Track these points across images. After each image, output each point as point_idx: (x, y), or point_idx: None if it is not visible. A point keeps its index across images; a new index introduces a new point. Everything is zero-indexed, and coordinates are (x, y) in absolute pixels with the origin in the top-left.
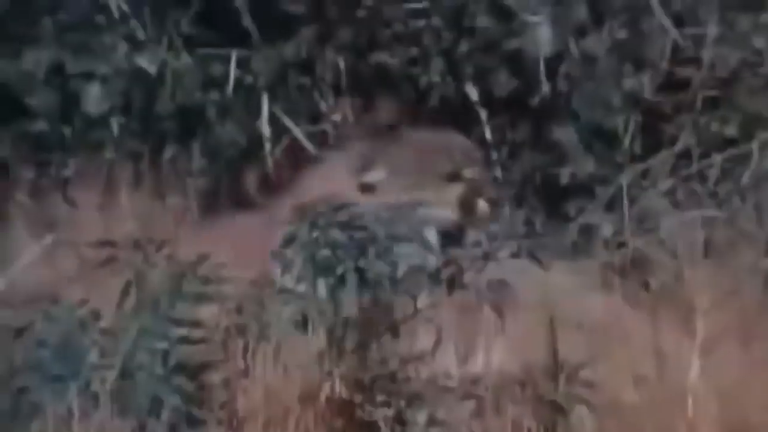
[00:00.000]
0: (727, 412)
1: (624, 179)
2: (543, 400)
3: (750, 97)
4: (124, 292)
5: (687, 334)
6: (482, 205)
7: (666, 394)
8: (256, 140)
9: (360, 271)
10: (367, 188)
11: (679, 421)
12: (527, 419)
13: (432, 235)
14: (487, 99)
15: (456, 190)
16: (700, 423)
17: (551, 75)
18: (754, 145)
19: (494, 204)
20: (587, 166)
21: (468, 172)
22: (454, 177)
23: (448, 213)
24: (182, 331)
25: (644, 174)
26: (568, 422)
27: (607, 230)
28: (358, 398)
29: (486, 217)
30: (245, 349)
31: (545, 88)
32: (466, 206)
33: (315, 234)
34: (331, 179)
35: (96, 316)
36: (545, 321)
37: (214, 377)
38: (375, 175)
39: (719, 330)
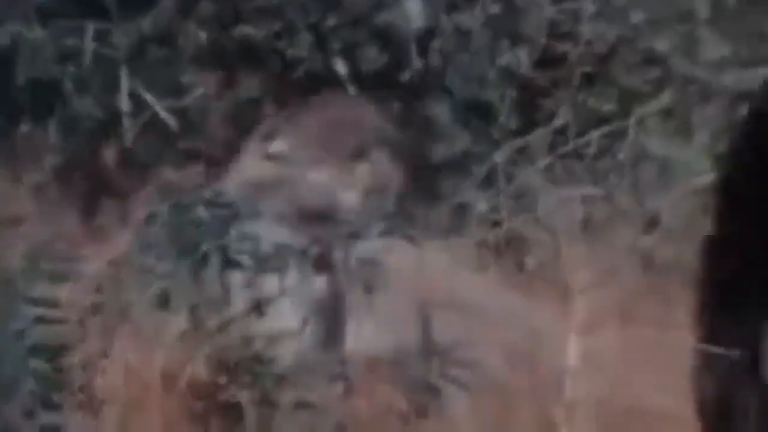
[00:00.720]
0: (606, 394)
1: (500, 156)
2: (415, 381)
3: (627, 72)
4: None
5: (565, 314)
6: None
7: (543, 376)
8: (115, 115)
9: (223, 250)
10: (272, 159)
11: (556, 403)
12: (398, 401)
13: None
14: (356, 74)
15: (361, 172)
16: (578, 405)
17: (423, 50)
18: (631, 122)
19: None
20: (462, 142)
21: (376, 154)
22: (359, 155)
23: (356, 193)
24: (39, 311)
25: (521, 151)
26: (441, 403)
27: (482, 208)
28: (221, 380)
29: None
30: (104, 330)
31: (417, 63)
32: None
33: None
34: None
35: None
36: (418, 300)
37: (73, 359)
38: (278, 146)
39: (598, 310)
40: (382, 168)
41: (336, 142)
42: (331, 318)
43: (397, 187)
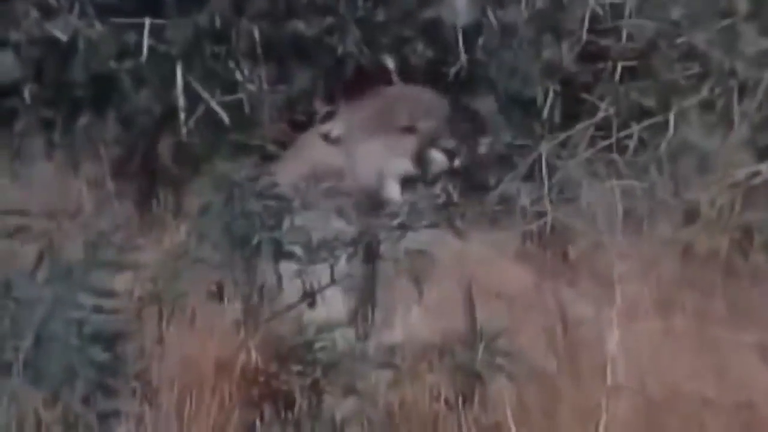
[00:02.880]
0: (646, 382)
1: (543, 149)
2: (461, 369)
3: (667, 67)
4: (37, 261)
5: (606, 303)
6: (436, 155)
7: (585, 364)
8: (171, 109)
9: (275, 241)
10: (329, 139)
11: (599, 390)
12: (445, 388)
13: (394, 189)
14: (404, 69)
15: (410, 142)
16: (619, 392)
17: (469, 45)
18: (671, 115)
19: (449, 155)
20: (506, 136)
21: (423, 125)
22: (408, 129)
23: (405, 163)
24: (96, 301)
25: (563, 144)
26: (486, 391)
27: (525, 200)
28: (273, 367)
29: (442, 168)
30: (160, 319)
31: (463, 58)
32: (420, 158)
33: (231, 204)
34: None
35: (8, 285)
36: (464, 290)
37: (129, 347)
38: (334, 126)
39: (638, 300)
40: (429, 139)
41: (387, 116)
42: (379, 307)
43: (442, 162)
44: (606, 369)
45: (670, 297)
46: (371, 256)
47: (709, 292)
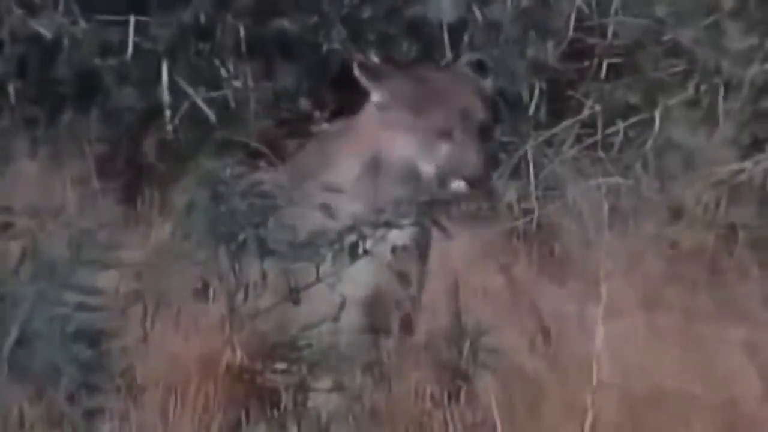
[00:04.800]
0: (631, 379)
1: (529, 147)
2: (446, 367)
3: (653, 64)
4: (20, 259)
5: (591, 300)
6: (459, 184)
7: (570, 361)
8: (156, 107)
9: (260, 239)
10: (381, 107)
11: (584, 387)
12: (430, 385)
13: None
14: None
15: (440, 154)
16: (605, 389)
17: (454, 42)
18: (657, 113)
19: (473, 185)
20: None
21: (458, 136)
22: (444, 133)
23: (430, 170)
24: (80, 298)
25: (549, 141)
26: (472, 388)
27: (511, 197)
28: (258, 365)
29: (462, 195)
30: (145, 316)
31: (448, 54)
32: (443, 181)
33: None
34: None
35: None
36: (449, 287)
37: (113, 344)
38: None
39: (624, 297)
40: (461, 150)
41: (426, 109)
42: (366, 304)
43: (470, 170)
44: (591, 366)
45: (656, 294)
46: (357, 253)
47: (694, 289)
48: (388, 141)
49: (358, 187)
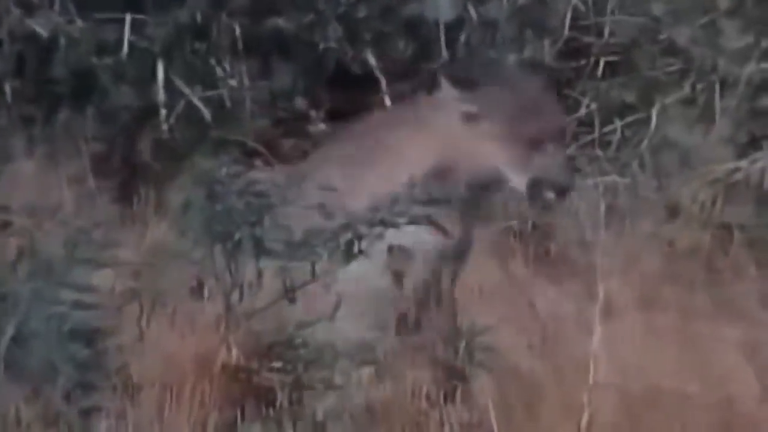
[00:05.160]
0: (628, 378)
1: None
2: (443, 366)
3: (649, 63)
4: (17, 257)
5: (588, 299)
6: (549, 195)
7: (567, 361)
8: (152, 105)
9: (256, 238)
10: (470, 118)
11: (581, 387)
12: (427, 385)
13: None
14: (385, 65)
15: (534, 164)
16: (601, 389)
17: (451, 41)
18: (654, 111)
19: (561, 194)
20: None
21: (549, 144)
22: (536, 141)
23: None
24: (77, 297)
25: None
26: (469, 388)
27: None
28: (254, 364)
29: (549, 207)
30: (141, 315)
31: (444, 53)
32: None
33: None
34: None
35: None
36: (445, 287)
37: (109, 343)
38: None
39: (621, 295)
40: (553, 160)
41: (519, 127)
42: (360, 304)
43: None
44: (588, 366)
45: (653, 293)
46: (352, 252)
47: (691, 288)
48: (475, 152)
49: (422, 186)
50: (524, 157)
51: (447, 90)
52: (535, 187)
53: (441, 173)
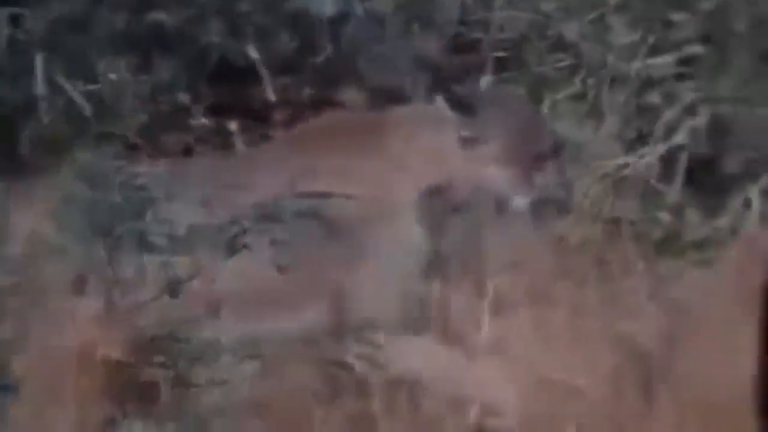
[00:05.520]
0: (519, 373)
1: None
2: (328, 361)
3: (538, 58)
4: None
5: (479, 296)
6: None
7: (457, 354)
8: (32, 99)
9: (139, 232)
10: (469, 142)
11: (469, 381)
12: (312, 379)
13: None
14: (269, 59)
15: (536, 184)
16: (491, 383)
17: (335, 35)
18: (544, 107)
19: (563, 211)
20: None
21: (550, 163)
22: (539, 164)
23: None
24: None
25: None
26: (354, 382)
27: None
28: (136, 360)
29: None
30: (21, 311)
31: (329, 48)
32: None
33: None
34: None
35: None
36: (330, 282)
37: None
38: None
39: (511, 292)
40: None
41: (521, 148)
42: (245, 298)
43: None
44: (478, 358)
45: (544, 289)
46: (236, 247)
47: (582, 284)
48: (475, 175)
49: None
50: (526, 178)
51: (443, 109)
52: (539, 206)
53: (436, 193)
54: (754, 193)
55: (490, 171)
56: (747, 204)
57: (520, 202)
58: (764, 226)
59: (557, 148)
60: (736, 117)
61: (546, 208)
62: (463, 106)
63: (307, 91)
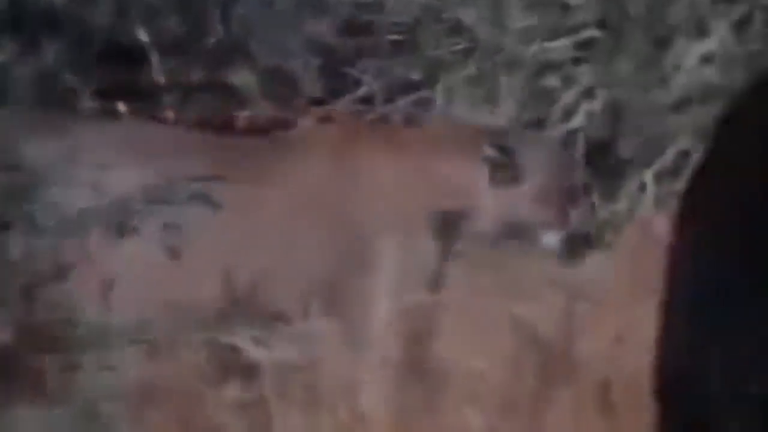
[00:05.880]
0: (417, 355)
1: (306, 123)
2: (220, 345)
3: (434, 41)
4: None
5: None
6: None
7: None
8: None
9: (26, 216)
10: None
11: (363, 362)
12: (204, 364)
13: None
14: (158, 41)
15: (571, 221)
16: (385, 366)
17: (225, 17)
18: (438, 90)
19: (589, 245)
20: (266, 109)
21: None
22: (574, 201)
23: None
24: None
25: (325, 119)
26: (246, 366)
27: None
28: (23, 345)
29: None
30: None
31: (219, 31)
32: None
33: None
34: None
35: None
36: (220, 263)
37: None
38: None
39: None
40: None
41: (557, 187)
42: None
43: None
44: (373, 341)
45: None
46: (125, 230)
47: (478, 264)
48: (507, 211)
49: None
50: (562, 216)
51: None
52: (569, 243)
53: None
54: (648, 177)
55: (524, 208)
56: (642, 188)
57: (552, 238)
58: (659, 209)
59: (588, 186)
60: (631, 101)
61: (575, 243)
62: (503, 149)
63: (197, 73)
